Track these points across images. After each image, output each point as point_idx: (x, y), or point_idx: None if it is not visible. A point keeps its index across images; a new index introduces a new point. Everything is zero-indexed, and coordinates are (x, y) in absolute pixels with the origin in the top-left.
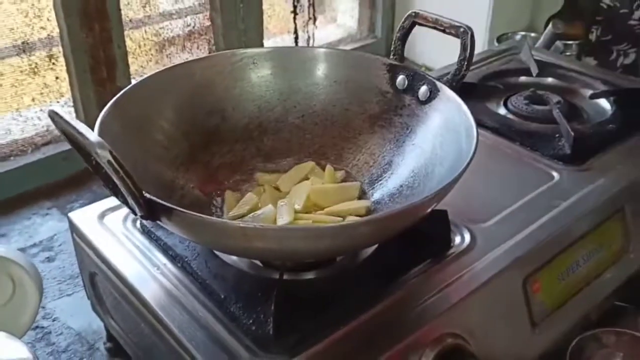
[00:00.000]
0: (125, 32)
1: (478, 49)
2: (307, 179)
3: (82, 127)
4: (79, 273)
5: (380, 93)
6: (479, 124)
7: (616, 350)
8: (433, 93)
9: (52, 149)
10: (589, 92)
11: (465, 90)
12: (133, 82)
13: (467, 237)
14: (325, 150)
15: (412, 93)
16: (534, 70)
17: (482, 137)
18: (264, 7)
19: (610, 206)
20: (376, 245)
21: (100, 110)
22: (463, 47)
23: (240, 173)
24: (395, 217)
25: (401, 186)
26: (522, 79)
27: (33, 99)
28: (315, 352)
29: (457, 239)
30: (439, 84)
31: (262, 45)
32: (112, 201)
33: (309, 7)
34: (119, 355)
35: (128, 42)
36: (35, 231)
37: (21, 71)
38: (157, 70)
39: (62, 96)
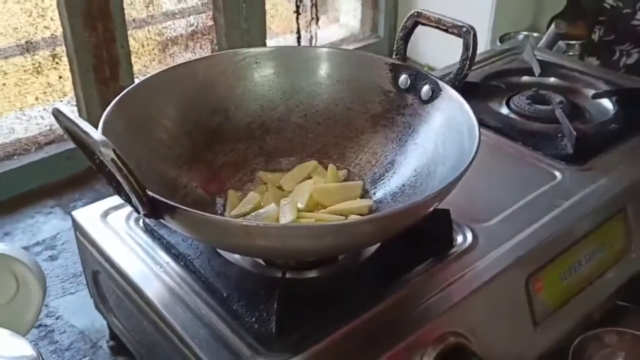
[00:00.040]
0: (129, 32)
1: (480, 49)
2: (309, 178)
3: (85, 126)
4: (82, 271)
5: (382, 92)
6: (482, 124)
7: (618, 350)
8: (435, 92)
9: (55, 148)
10: (592, 92)
11: (468, 90)
12: (136, 81)
13: (469, 236)
14: (328, 149)
15: (414, 92)
16: (537, 70)
17: (484, 137)
18: (267, 7)
19: (612, 206)
20: (378, 244)
21: (104, 110)
22: (465, 47)
23: (243, 172)
24: (397, 216)
25: (403, 185)
26: (525, 78)
27: (36, 98)
28: (318, 350)
29: (460, 238)
30: (441, 83)
31: (264, 45)
32: (115, 200)
33: (311, 7)
34: (122, 354)
35: (131, 42)
36: (39, 230)
37: (25, 70)
38: (160, 70)
39: (65, 95)
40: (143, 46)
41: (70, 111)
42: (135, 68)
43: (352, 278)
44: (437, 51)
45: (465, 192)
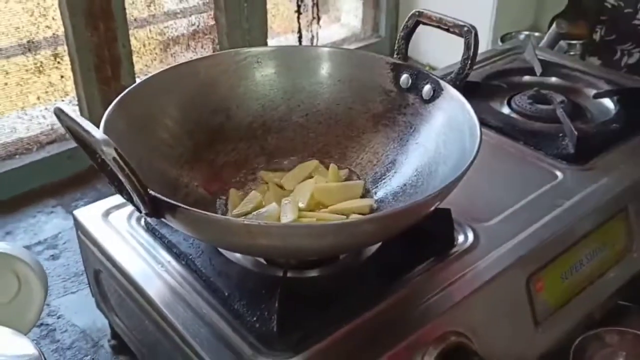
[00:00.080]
0: (130, 31)
1: (482, 48)
2: (311, 177)
3: (87, 125)
4: (83, 271)
5: (384, 92)
6: (483, 123)
7: (619, 349)
8: (437, 92)
9: (57, 148)
10: (593, 91)
11: (469, 89)
12: (138, 80)
13: (471, 235)
14: (329, 149)
15: (415, 92)
16: (538, 69)
17: (485, 136)
18: (268, 6)
19: (613, 205)
20: (380, 244)
21: (105, 109)
22: (467, 46)
23: (244, 171)
24: (398, 215)
25: (405, 185)
26: (526, 78)
27: (38, 98)
28: (319, 349)
29: (461, 238)
30: (442, 82)
31: (266, 45)
32: (117, 199)
33: (312, 7)
34: (123, 353)
35: (133, 41)
36: (40, 229)
37: (26, 70)
38: (162, 69)
39: (67, 95)
40: (144, 46)
41: (72, 110)
42: (137, 67)
43: (353, 277)
44: (438, 51)
45: (466, 191)
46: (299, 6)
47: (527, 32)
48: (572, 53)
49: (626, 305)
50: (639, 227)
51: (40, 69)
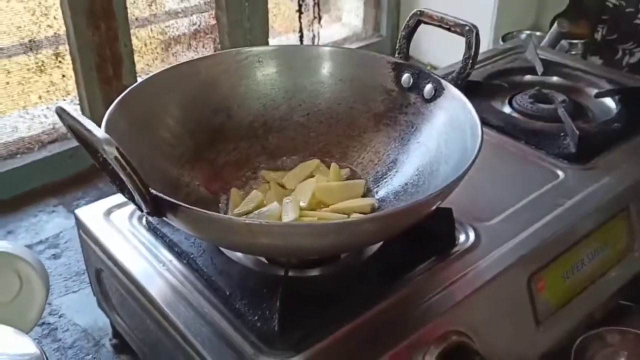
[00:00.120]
0: (132, 31)
1: (483, 48)
2: (312, 176)
3: (89, 124)
4: (85, 270)
5: (385, 91)
6: (484, 123)
7: (620, 349)
8: (438, 91)
9: (58, 147)
10: (594, 91)
11: (470, 89)
12: (139, 80)
13: (472, 235)
14: (330, 148)
15: (417, 91)
16: (539, 69)
17: (486, 136)
18: (269, 5)
19: (615, 205)
20: (381, 243)
21: (106, 108)
22: (468, 46)
23: (246, 171)
24: (399, 215)
25: (406, 184)
26: (527, 77)
27: (40, 97)
28: (320, 348)
29: (462, 237)
30: (444, 82)
31: (267, 44)
32: (118, 198)
33: (314, 6)
34: (125, 352)
35: (134, 41)
36: (42, 228)
37: (28, 69)
38: (163, 69)
39: (69, 94)
40: (146, 45)
41: (74, 110)
42: (138, 67)
43: (354, 276)
44: (439, 50)
45: (467, 191)
46: (300, 5)
47: (528, 32)
48: (573, 52)
49: (627, 305)
50: None
51: (42, 68)
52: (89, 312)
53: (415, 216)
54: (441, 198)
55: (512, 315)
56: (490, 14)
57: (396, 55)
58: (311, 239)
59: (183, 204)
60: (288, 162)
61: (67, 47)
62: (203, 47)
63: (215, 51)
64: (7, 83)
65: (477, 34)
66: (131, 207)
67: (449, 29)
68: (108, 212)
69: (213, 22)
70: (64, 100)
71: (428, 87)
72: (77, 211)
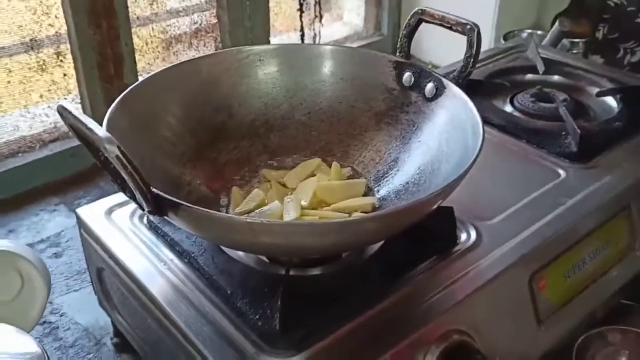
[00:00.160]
0: (133, 30)
1: (484, 47)
2: (313, 175)
3: (91, 123)
4: (86, 269)
5: (386, 90)
6: (486, 122)
7: (622, 348)
8: (439, 90)
9: (59, 146)
10: (596, 90)
11: (472, 88)
12: (140, 79)
13: (473, 234)
14: (332, 147)
15: (418, 90)
16: (541, 68)
17: (488, 135)
18: (271, 5)
19: (616, 204)
20: (382, 242)
21: (108, 107)
22: (470, 45)
23: (247, 170)
24: (401, 214)
25: (407, 183)
26: (529, 76)
27: (41, 96)
28: (322, 348)
29: (464, 236)
30: (445, 81)
31: (268, 43)
32: (120, 197)
33: (315, 5)
34: (126, 351)
35: (135, 40)
36: (43, 227)
37: (29, 68)
38: (164, 68)
39: (70, 93)
40: (147, 44)
41: (75, 109)
42: (140, 66)
43: (356, 276)
44: (440, 49)
45: (469, 190)
46: (301, 5)
47: (530, 31)
48: (575, 51)
49: (629, 305)
50: None
51: (43, 67)
52: (91, 311)
53: (417, 215)
54: (443, 197)
55: (514, 314)
56: (492, 13)
57: (398, 54)
58: (313, 238)
59: (184, 203)
60: (289, 161)
61: (68, 46)
62: (204, 46)
63: (216, 50)
64: (9, 82)
65: (479, 33)
66: (133, 206)
67: (450, 28)
68: (109, 211)
69: (214, 21)
70: (66, 99)
71: (429, 86)
72: (78, 210)
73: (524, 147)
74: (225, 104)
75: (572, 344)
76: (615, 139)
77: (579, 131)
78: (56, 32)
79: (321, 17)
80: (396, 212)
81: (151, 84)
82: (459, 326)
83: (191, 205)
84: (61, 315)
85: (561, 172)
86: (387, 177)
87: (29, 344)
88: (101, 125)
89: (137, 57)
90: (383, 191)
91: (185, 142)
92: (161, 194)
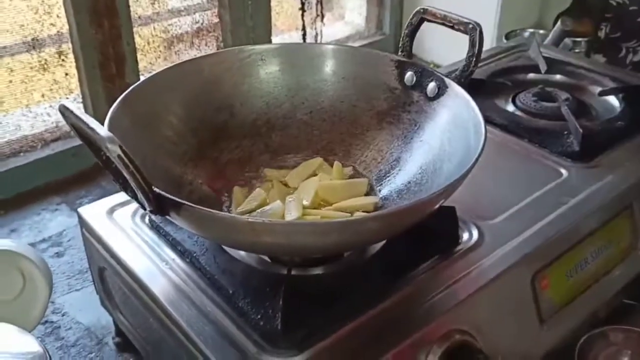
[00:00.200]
0: (134, 29)
1: (486, 46)
2: (315, 175)
3: (92, 122)
4: (88, 268)
5: (388, 89)
6: (487, 121)
7: (624, 348)
8: (441, 89)
9: (61, 145)
10: (598, 89)
11: (474, 87)
12: (142, 78)
13: (475, 233)
14: (333, 146)
15: (420, 89)
16: (543, 67)
17: (490, 134)
18: (272, 4)
19: (618, 203)
20: (384, 241)
21: (109, 107)
22: (472, 44)
23: (249, 169)
24: (403, 213)
25: (409, 182)
26: (531, 75)
27: (43, 95)
28: (323, 347)
29: (465, 236)
30: (447, 80)
31: (270, 42)
32: (121, 196)
33: (316, 4)
34: (128, 350)
35: (137, 39)
36: (45, 226)
37: (31, 67)
38: (166, 67)
39: (72, 92)
40: (149, 43)
41: (77, 108)
42: (141, 65)
43: (357, 275)
44: (442, 48)
45: (471, 189)
46: (303, 4)
47: (531, 30)
48: (577, 50)
49: (631, 304)
50: None
51: (45, 66)
52: (92, 310)
53: (419, 215)
54: (444, 196)
55: (516, 313)
56: (494, 12)
57: (399, 53)
58: (314, 237)
59: (186, 202)
60: (291, 161)
61: (70, 45)
62: (206, 45)
63: (218, 49)
64: (10, 81)
65: (481, 32)
66: (134, 205)
67: (452, 27)
68: (111, 211)
69: (216, 20)
70: (67, 98)
71: (431, 85)
72: (80, 209)
73: (525, 146)
74: (226, 103)
75: (574, 343)
76: (617, 138)
77: (581, 130)
78: (58, 31)
79: (322, 16)
80: (398, 211)
81: (152, 83)
82: (460, 326)
83: (193, 205)
84: (63, 315)
85: (563, 171)
86: (388, 177)
87: (30, 344)
88: (102, 124)
89: (139, 56)
90: (385, 190)
91: (187, 141)
92: (162, 193)
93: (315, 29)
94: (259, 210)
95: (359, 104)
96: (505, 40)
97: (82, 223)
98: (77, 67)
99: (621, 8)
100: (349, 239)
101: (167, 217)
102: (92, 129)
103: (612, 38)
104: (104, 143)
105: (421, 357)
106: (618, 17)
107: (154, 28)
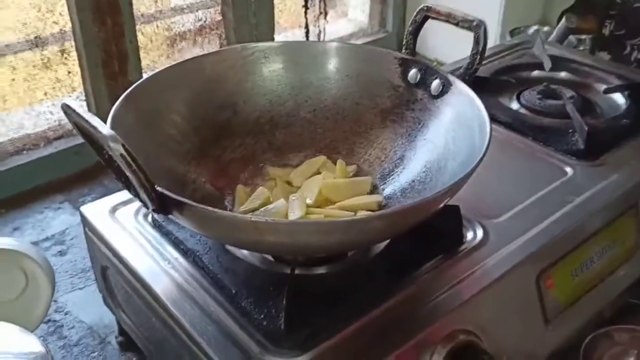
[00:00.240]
0: (137, 27)
1: (490, 43)
2: (318, 173)
3: (95, 120)
4: (90, 267)
5: (392, 87)
6: (492, 119)
7: (629, 347)
8: (445, 87)
9: (64, 143)
10: (603, 86)
11: (478, 85)
12: (145, 76)
13: (480, 232)
14: (337, 144)
15: (424, 87)
16: (547, 64)
17: (494, 132)
18: (275, 1)
19: (624, 202)
20: (388, 241)
21: (112, 104)
22: (476, 41)
23: (252, 167)
24: (407, 212)
25: (413, 181)
26: (535, 73)
27: (45, 93)
28: (327, 347)
29: (470, 235)
30: (451, 77)
31: (273, 40)
32: (124, 195)
33: (320, 2)
34: (131, 349)
35: (140, 37)
36: (48, 225)
37: (34, 66)
38: (169, 65)
39: (74, 90)
40: (151, 41)
41: (79, 106)
42: (144, 63)
43: (361, 274)
44: (446, 46)
45: (475, 187)
46: (306, 1)
47: (536, 27)
48: (581, 48)
49: (636, 304)
50: None
51: (48, 64)
52: (95, 309)
53: (424, 214)
54: (449, 195)
55: (521, 313)
56: (497, 9)
57: (403, 50)
58: (318, 236)
59: (188, 202)
60: (294, 159)
61: (72, 43)
62: (209, 43)
63: (221, 47)
64: (13, 80)
65: (485, 29)
66: (137, 204)
67: (456, 24)
68: (113, 209)
69: (219, 18)
70: (70, 96)
71: (435, 83)
72: (82, 208)
73: (530, 144)
74: (229, 101)
75: (580, 343)
76: (622, 136)
77: (586, 128)
78: (60, 29)
79: (326, 14)
80: (402, 210)
81: (155, 81)
82: (465, 326)
83: (195, 204)
84: (65, 314)
85: (568, 169)
86: (392, 175)
87: (32, 343)
88: (105, 122)
89: (142, 54)
90: (388, 189)
91: (190, 140)
92: (165, 192)
93: (318, 26)
94: (262, 209)
95: (363, 102)
96: (509, 38)
97: (85, 222)
98: (80, 65)
99: (625, 5)
100: (353, 238)
101: (170, 216)
102: (94, 128)
103: (617, 35)
104: (107, 142)
105: (425, 357)
106: (622, 14)
107: (157, 26)
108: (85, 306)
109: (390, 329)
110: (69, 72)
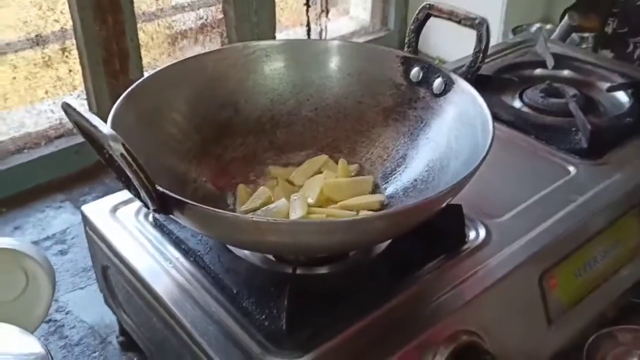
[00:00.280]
0: (138, 25)
1: (493, 41)
2: (320, 172)
3: (95, 120)
4: (91, 266)
5: (394, 86)
6: (494, 117)
7: (633, 348)
8: (448, 85)
9: (65, 142)
10: (606, 84)
11: (480, 83)
12: (146, 74)
13: (482, 232)
14: (339, 143)
15: (426, 86)
16: (550, 62)
17: (497, 131)
18: None
19: (627, 201)
20: (390, 240)
21: (113, 103)
22: (479, 39)
23: (253, 166)
24: (409, 212)
25: (415, 180)
26: (538, 71)
27: (46, 92)
28: (329, 347)
29: (472, 234)
30: (454, 76)
31: (274, 38)
32: (125, 194)
33: (321, 0)
34: (132, 349)
35: (141, 35)
36: (49, 224)
37: (35, 64)
38: (170, 63)
39: (75, 89)
40: (152, 39)
41: (80, 105)
42: (145, 61)
43: (363, 274)
44: (447, 44)
45: (477, 187)
46: None
47: (538, 25)
48: (584, 46)
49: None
50: None
51: (49, 63)
52: (96, 308)
53: (425, 213)
54: (452, 195)
55: (524, 313)
56: (500, 7)
57: (405, 49)
58: (320, 236)
59: (189, 201)
60: (296, 158)
61: (73, 41)
62: (210, 41)
63: (222, 45)
64: (14, 78)
65: (488, 27)
66: (138, 203)
67: (459, 22)
68: (114, 209)
69: (220, 16)
70: (71, 95)
71: (438, 82)
72: (83, 208)
73: (532, 143)
74: (230, 99)
75: (583, 343)
76: (625, 134)
77: (589, 126)
78: (61, 28)
79: (327, 12)
80: (405, 210)
81: (156, 79)
82: (467, 326)
83: (196, 204)
84: (66, 313)
85: (571, 168)
86: (394, 174)
87: (32, 344)
88: (106, 120)
89: (143, 52)
90: (390, 188)
91: (191, 139)
92: (166, 191)
93: (320, 24)
94: (263, 209)
95: (364, 101)
96: (511, 36)
97: (86, 221)
98: (81, 64)
99: (628, 3)
100: (355, 238)
101: (171, 215)
102: (94, 127)
103: (620, 33)
104: (107, 141)
105: (428, 358)
106: (625, 12)
107: (158, 24)
108: (86, 306)
109: (392, 329)
110: (70, 71)
